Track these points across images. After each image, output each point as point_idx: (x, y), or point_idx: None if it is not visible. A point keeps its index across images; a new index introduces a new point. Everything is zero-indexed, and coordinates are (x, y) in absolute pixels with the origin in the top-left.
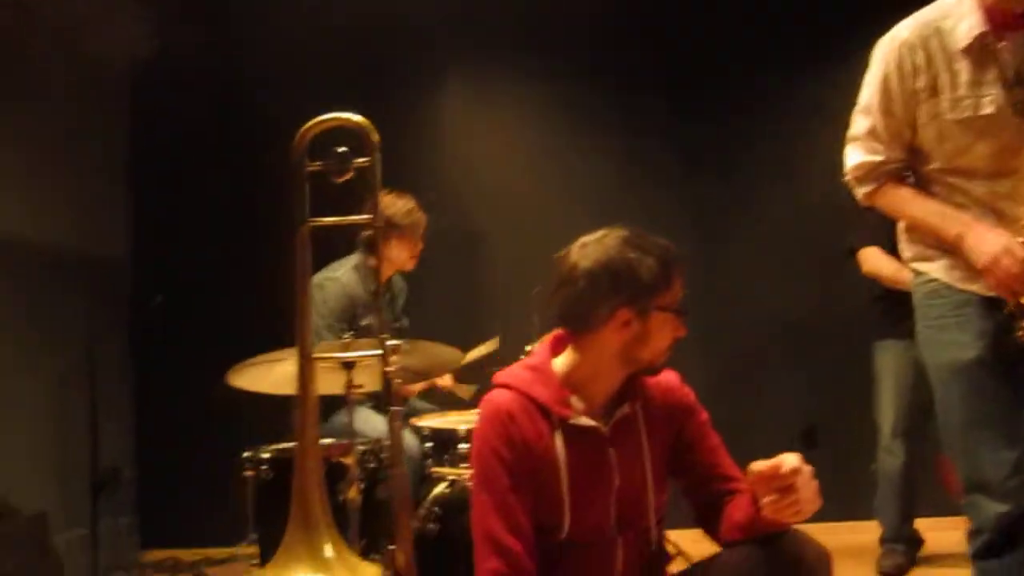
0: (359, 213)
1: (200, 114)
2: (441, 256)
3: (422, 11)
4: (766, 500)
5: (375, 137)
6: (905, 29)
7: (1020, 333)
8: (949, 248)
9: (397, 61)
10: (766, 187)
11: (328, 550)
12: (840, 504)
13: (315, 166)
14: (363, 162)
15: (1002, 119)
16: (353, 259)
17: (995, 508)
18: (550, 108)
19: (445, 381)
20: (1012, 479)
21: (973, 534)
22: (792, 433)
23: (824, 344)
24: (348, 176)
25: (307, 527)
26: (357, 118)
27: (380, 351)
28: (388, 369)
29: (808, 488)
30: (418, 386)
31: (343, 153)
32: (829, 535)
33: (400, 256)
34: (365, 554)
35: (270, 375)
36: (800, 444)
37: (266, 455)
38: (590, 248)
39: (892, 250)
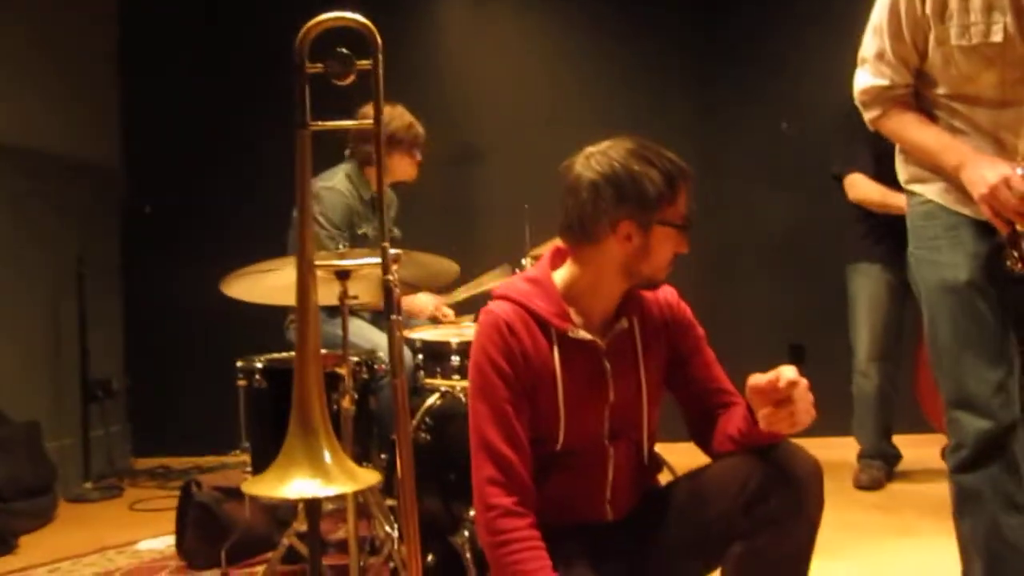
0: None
1: (192, 13)
2: (437, 170)
3: None
4: (763, 412)
5: (378, 39)
6: None
7: (1010, 262)
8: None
9: None
10: (767, 99)
11: (327, 456)
12: (818, 420)
13: (316, 68)
14: (366, 64)
15: (1011, 47)
16: (345, 167)
17: (976, 424)
18: (550, 17)
19: (443, 310)
20: (995, 397)
21: (953, 449)
22: (779, 348)
23: (812, 261)
24: (350, 79)
25: (306, 434)
26: (360, 19)
27: (379, 259)
28: (389, 277)
29: (804, 400)
30: (404, 301)
31: (346, 55)
32: (810, 449)
33: (398, 167)
34: (358, 462)
35: (262, 284)
36: (789, 359)
37: (259, 364)
38: (595, 159)
39: (876, 177)
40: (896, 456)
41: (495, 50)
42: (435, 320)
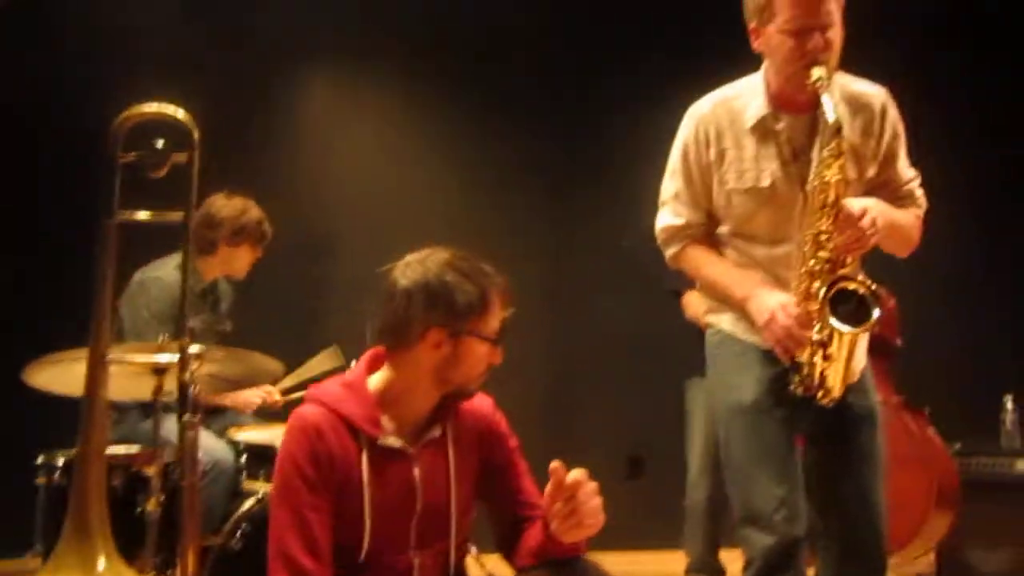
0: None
1: (37, 88)
2: (283, 263)
3: (284, 10)
4: (551, 511)
5: (196, 133)
6: (703, 104)
7: (793, 385)
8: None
9: (251, 64)
10: (613, 210)
11: (101, 562)
12: (654, 535)
13: (129, 157)
14: (181, 157)
15: (779, 191)
16: (177, 257)
17: (763, 540)
18: (407, 117)
19: (273, 397)
20: (777, 513)
21: (746, 565)
22: (617, 459)
23: (654, 373)
24: (164, 171)
25: (82, 537)
26: (178, 112)
27: (178, 356)
28: (184, 376)
29: (590, 503)
30: (228, 398)
31: (159, 147)
32: (638, 564)
33: (230, 260)
34: (160, 570)
35: (69, 374)
36: (627, 471)
37: (60, 461)
38: (412, 267)
39: None
40: (720, 572)
41: (349, 145)
42: (267, 408)
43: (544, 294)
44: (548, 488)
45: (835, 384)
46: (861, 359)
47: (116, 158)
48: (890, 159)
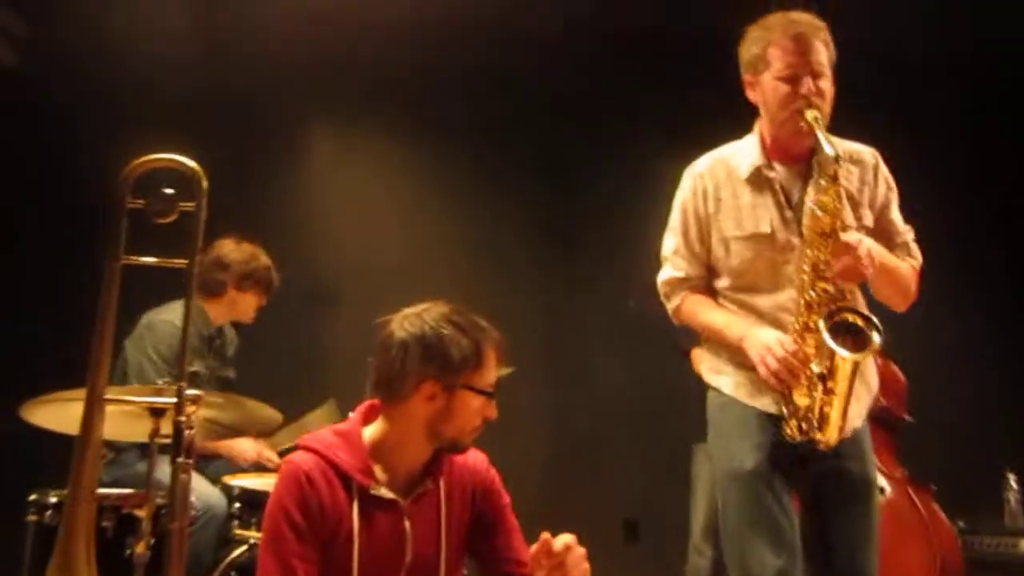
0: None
1: (50, 138)
2: (286, 314)
3: (288, 62)
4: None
5: (204, 183)
6: (700, 161)
7: (788, 431)
8: (737, 351)
9: (259, 114)
10: (617, 268)
11: None
12: None
13: (137, 204)
14: (188, 206)
15: (777, 236)
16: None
17: None
18: (411, 170)
19: (268, 457)
20: None
21: None
22: (613, 522)
23: (652, 436)
24: (171, 218)
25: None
26: (187, 161)
27: (175, 399)
28: (180, 418)
29: (578, 567)
30: (224, 447)
31: (168, 194)
32: None
33: (237, 305)
34: None
35: (67, 413)
36: (623, 534)
37: (53, 499)
38: (409, 319)
39: None
40: None
41: (353, 199)
42: (260, 466)
43: (545, 353)
44: (534, 549)
45: (834, 424)
46: (858, 414)
47: (124, 203)
48: (885, 208)
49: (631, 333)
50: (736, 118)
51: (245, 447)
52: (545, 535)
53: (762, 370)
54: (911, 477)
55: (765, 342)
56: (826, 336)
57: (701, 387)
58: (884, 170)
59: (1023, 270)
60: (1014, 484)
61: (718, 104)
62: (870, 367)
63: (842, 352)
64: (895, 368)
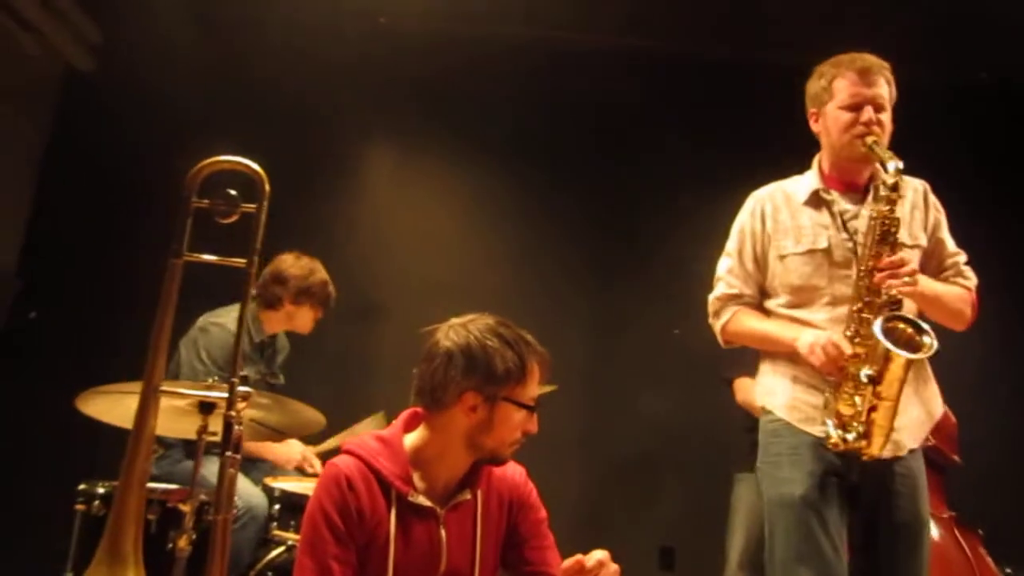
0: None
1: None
2: (337, 326)
3: (352, 80)
4: None
5: (267, 186)
6: (763, 188)
7: (832, 441)
8: (793, 363)
9: (322, 129)
10: (662, 297)
11: None
12: None
13: (202, 203)
14: (251, 208)
15: (834, 252)
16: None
17: None
18: (465, 190)
19: (312, 464)
20: None
21: None
22: (649, 549)
23: (691, 465)
24: (234, 219)
25: (113, 561)
26: (251, 164)
27: (226, 394)
28: (230, 412)
29: None
30: (268, 450)
31: (231, 195)
32: None
33: (293, 318)
34: None
35: (121, 406)
36: (659, 562)
37: (101, 490)
38: (455, 329)
39: None
40: None
41: (411, 214)
42: (301, 470)
43: (588, 378)
44: (566, 563)
45: (881, 432)
46: (913, 436)
47: (190, 202)
48: (936, 229)
49: (675, 363)
50: (793, 158)
51: (289, 450)
52: (578, 556)
53: (812, 359)
54: (958, 519)
55: (816, 336)
56: (879, 334)
57: (743, 417)
58: (933, 198)
59: None
60: None
61: (774, 144)
62: (933, 392)
63: (896, 350)
64: (946, 408)
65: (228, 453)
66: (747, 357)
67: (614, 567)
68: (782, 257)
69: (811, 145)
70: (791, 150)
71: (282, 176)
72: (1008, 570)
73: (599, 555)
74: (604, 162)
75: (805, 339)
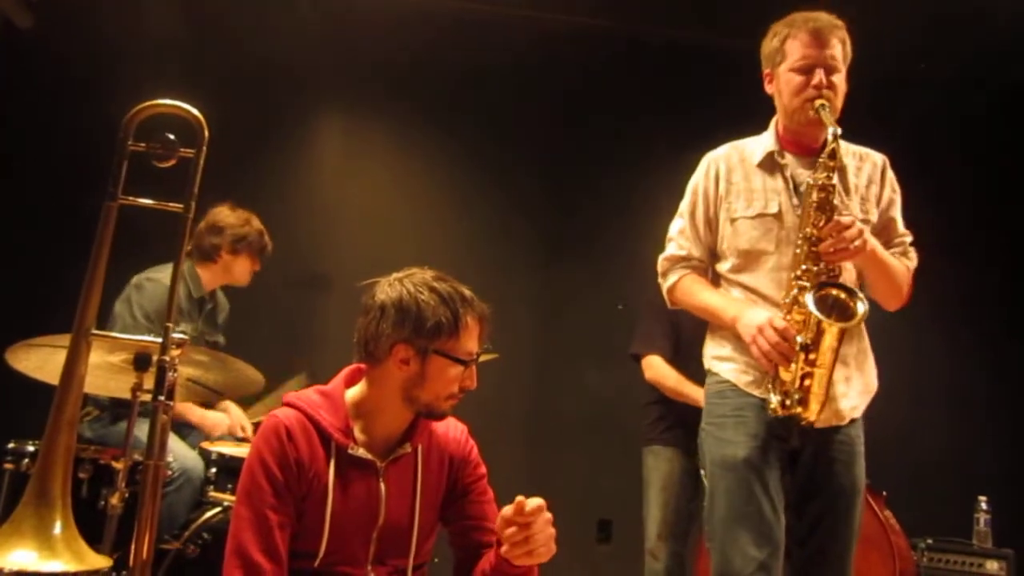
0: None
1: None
2: (282, 291)
3: (302, 46)
4: (505, 534)
5: (206, 132)
6: (718, 148)
7: (771, 407)
8: (732, 331)
9: (269, 94)
10: (607, 275)
11: (57, 527)
12: None
13: (139, 146)
14: (188, 152)
15: (785, 218)
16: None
17: None
18: (411, 162)
19: (246, 432)
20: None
21: None
22: (588, 521)
23: (630, 437)
24: (171, 163)
25: (40, 504)
26: (190, 109)
27: (160, 339)
28: (164, 358)
29: (543, 532)
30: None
31: (169, 139)
32: None
33: (231, 269)
34: (116, 569)
35: (54, 361)
36: (596, 534)
37: (31, 447)
38: (391, 283)
39: (673, 364)
40: None
41: (356, 185)
42: (234, 435)
43: (533, 349)
44: (504, 510)
45: (816, 399)
46: (853, 406)
47: (126, 144)
48: (889, 207)
49: (618, 338)
50: (740, 134)
51: (218, 418)
52: (520, 498)
53: (754, 351)
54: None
55: (758, 323)
56: (811, 305)
57: (647, 391)
58: (891, 174)
59: (1015, 301)
60: (984, 507)
61: (722, 118)
62: (872, 366)
63: (827, 320)
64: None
65: (161, 398)
66: (656, 335)
67: (548, 515)
68: (732, 220)
69: (768, 121)
70: (746, 128)
71: (231, 142)
72: (929, 540)
73: (536, 501)
74: (554, 137)
75: (747, 326)
